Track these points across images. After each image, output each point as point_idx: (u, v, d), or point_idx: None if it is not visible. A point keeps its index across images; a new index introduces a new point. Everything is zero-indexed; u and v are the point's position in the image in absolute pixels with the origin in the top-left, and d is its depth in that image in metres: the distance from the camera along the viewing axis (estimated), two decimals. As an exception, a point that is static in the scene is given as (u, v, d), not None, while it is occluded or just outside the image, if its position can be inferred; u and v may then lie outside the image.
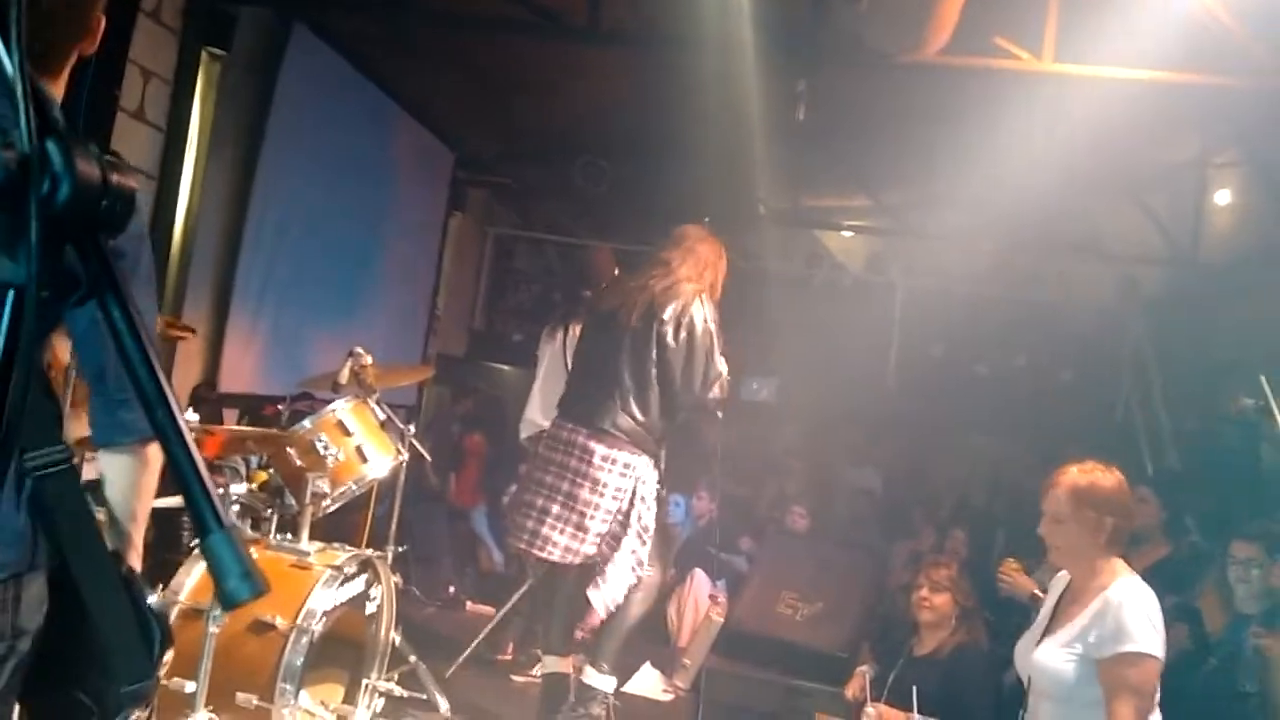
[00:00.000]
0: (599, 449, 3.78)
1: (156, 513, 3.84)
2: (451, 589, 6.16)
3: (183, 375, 5.29)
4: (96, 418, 1.58)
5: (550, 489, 3.84)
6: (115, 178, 0.74)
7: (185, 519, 3.85)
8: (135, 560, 1.66)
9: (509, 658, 5.07)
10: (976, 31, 4.91)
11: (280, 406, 4.85)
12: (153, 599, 1.62)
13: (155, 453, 1.65)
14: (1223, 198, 7.68)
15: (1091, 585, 2.87)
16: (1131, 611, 2.77)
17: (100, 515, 1.69)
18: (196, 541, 3.55)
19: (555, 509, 3.82)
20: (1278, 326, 6.69)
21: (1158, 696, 2.79)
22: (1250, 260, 7.26)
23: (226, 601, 0.76)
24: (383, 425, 3.86)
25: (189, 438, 0.72)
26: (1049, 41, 4.76)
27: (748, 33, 4.99)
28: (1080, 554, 2.92)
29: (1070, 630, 2.86)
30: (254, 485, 3.78)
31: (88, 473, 1.97)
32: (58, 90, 1.50)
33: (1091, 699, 2.78)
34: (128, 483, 1.65)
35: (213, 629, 2.98)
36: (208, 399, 5.34)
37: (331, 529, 4.10)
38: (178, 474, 0.73)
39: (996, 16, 4.85)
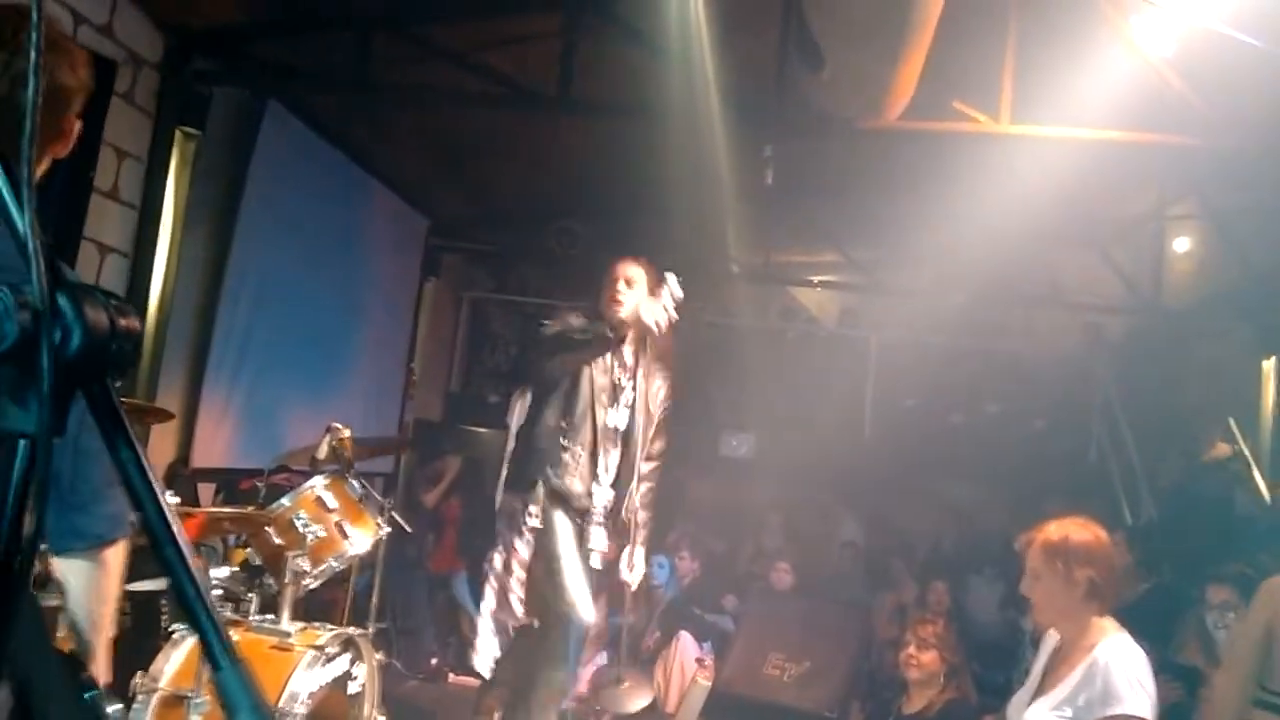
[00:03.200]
0: None
1: (134, 596, 3.81)
2: (434, 660, 6.09)
3: (157, 451, 5.25)
4: (51, 525, 1.54)
5: None
6: (122, 322, 0.77)
7: (164, 602, 3.80)
8: (100, 667, 1.63)
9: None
10: (936, 95, 5.05)
11: (257, 482, 4.82)
12: (114, 709, 1.59)
13: (114, 555, 1.62)
14: (1181, 245, 7.87)
15: (1080, 644, 2.88)
16: (1119, 673, 2.77)
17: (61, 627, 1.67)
18: (175, 626, 3.52)
19: None
20: (1240, 369, 6.85)
21: None
22: (1211, 306, 7.43)
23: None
24: (361, 499, 3.85)
25: (198, 575, 0.75)
26: (1005, 104, 4.91)
27: (714, 100, 5.12)
28: (1060, 610, 2.93)
29: (1060, 692, 2.87)
30: (234, 566, 3.76)
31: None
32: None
33: None
34: (87, 588, 1.62)
35: (195, 716, 2.94)
36: (183, 475, 5.30)
37: (312, 605, 4.07)
38: (187, 611, 0.75)
39: (954, 81, 5.00)
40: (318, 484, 3.73)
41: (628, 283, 3.73)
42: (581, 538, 3.75)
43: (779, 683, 5.58)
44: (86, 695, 1.58)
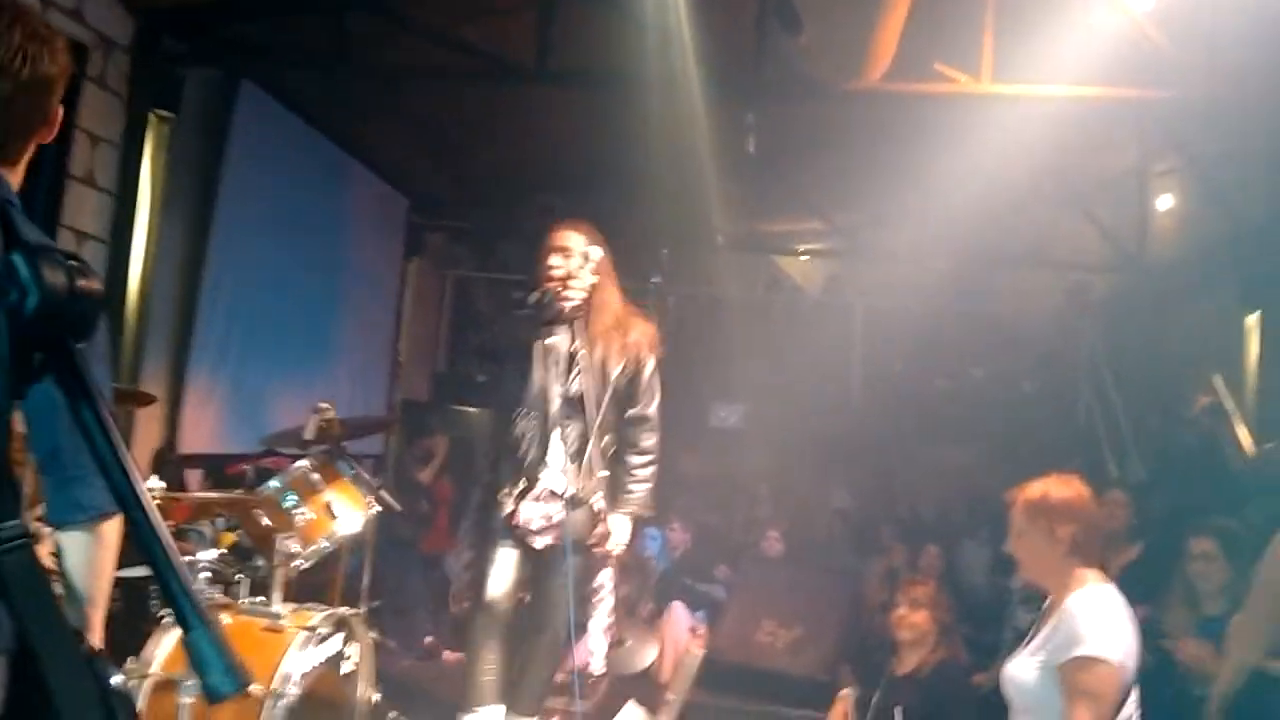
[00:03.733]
0: None
1: (124, 581, 3.80)
2: (428, 639, 6.09)
3: (143, 438, 5.22)
4: (50, 496, 1.57)
5: None
6: (81, 283, 0.75)
7: (153, 587, 3.78)
8: (96, 639, 1.64)
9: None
10: (916, 57, 5.02)
11: (245, 466, 4.79)
12: (117, 678, 1.60)
13: (111, 529, 1.63)
14: (1164, 203, 7.86)
15: (1062, 598, 2.92)
16: (1085, 616, 2.79)
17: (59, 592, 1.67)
18: (165, 611, 3.51)
19: None
20: (1225, 324, 6.87)
21: (1123, 703, 2.80)
22: (1195, 261, 7.44)
23: (211, 697, 0.77)
24: (351, 480, 3.84)
25: (166, 538, 0.73)
26: (986, 64, 4.88)
27: (693, 68, 5.07)
28: (1045, 567, 2.94)
29: (1037, 641, 2.90)
30: (222, 548, 3.74)
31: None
32: (16, 177, 1.53)
33: (1059, 708, 2.80)
34: (85, 561, 1.63)
35: (187, 699, 2.93)
36: (169, 461, 5.28)
37: (304, 587, 4.06)
38: (156, 573, 0.73)
39: (935, 42, 4.97)
40: (306, 465, 3.71)
41: (563, 253, 3.61)
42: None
43: (772, 649, 5.63)
44: (90, 663, 1.58)
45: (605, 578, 3.81)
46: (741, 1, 5.08)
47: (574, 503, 3.54)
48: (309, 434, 3.86)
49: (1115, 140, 6.75)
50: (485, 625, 3.56)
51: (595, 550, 3.67)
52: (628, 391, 3.67)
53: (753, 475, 8.27)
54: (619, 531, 3.65)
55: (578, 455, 3.57)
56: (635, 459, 3.70)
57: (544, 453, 3.56)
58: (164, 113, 5.13)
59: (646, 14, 4.93)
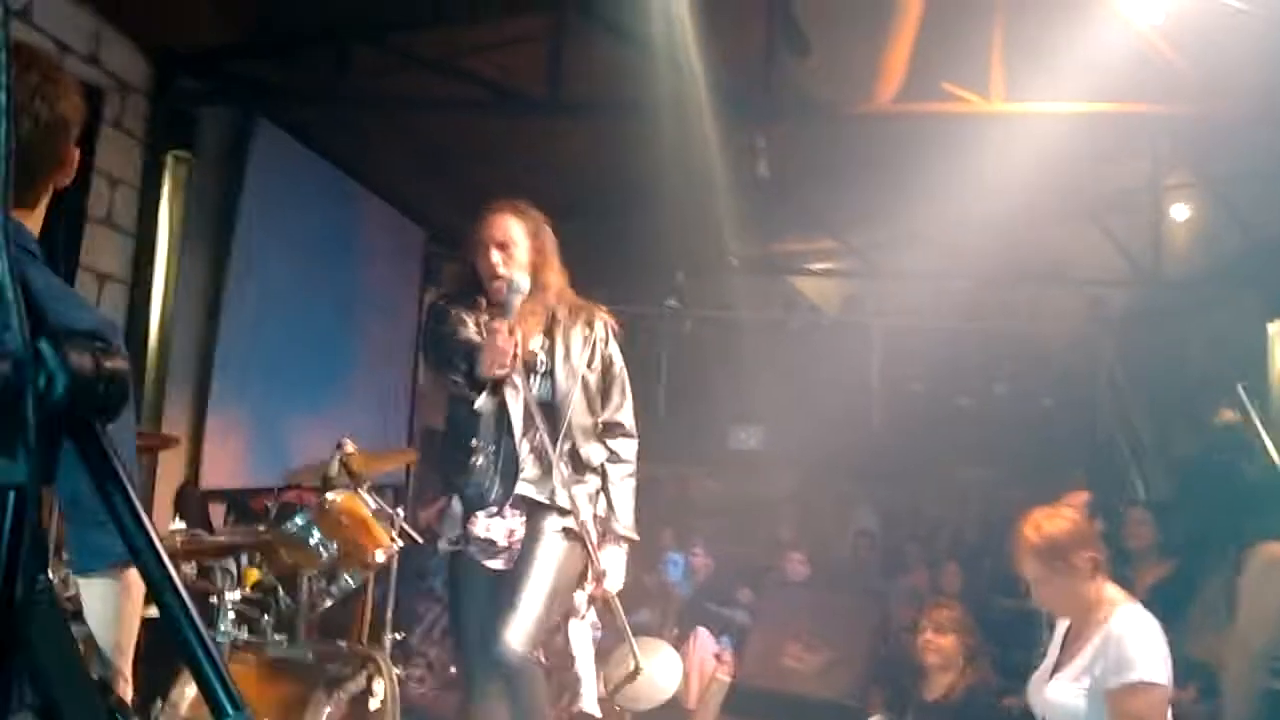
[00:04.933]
0: None
1: (150, 623, 3.80)
2: (453, 669, 6.08)
3: (166, 474, 5.25)
4: (72, 544, 1.57)
5: None
6: (107, 364, 0.76)
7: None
8: (125, 690, 1.63)
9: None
10: (926, 76, 5.03)
11: (268, 501, 4.82)
12: None
13: (135, 577, 1.61)
14: (1179, 214, 7.82)
15: (1093, 618, 2.91)
16: (1134, 641, 2.80)
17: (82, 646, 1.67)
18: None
19: None
20: (1245, 336, 6.82)
21: None
22: (1212, 274, 7.40)
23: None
24: (375, 514, 3.85)
25: (199, 621, 0.74)
26: (995, 82, 4.88)
27: (703, 94, 5.10)
28: (1077, 601, 2.95)
29: (1077, 665, 2.89)
30: (247, 587, 3.76)
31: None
32: (35, 222, 1.54)
33: None
34: (109, 609, 1.61)
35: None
36: (192, 497, 5.30)
37: (329, 623, 4.06)
38: (188, 658, 0.74)
39: (944, 62, 4.97)
40: (330, 500, 3.72)
41: (502, 248, 3.15)
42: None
43: (798, 673, 5.58)
44: (117, 717, 1.58)
45: (580, 601, 3.37)
46: (749, 26, 5.10)
47: (543, 513, 3.07)
48: (333, 471, 3.88)
49: (1127, 154, 6.73)
50: (474, 673, 3.14)
51: (592, 594, 3.23)
52: (599, 390, 3.24)
53: (773, 497, 8.24)
54: (615, 567, 3.20)
55: (545, 468, 3.07)
56: (617, 471, 3.24)
57: (509, 466, 3.08)
58: (181, 153, 5.20)
59: (655, 42, 4.97)
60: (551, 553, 3.04)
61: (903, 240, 8.11)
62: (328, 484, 3.87)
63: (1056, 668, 3.00)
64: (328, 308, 6.83)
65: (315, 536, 3.59)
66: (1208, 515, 5.19)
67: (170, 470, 5.31)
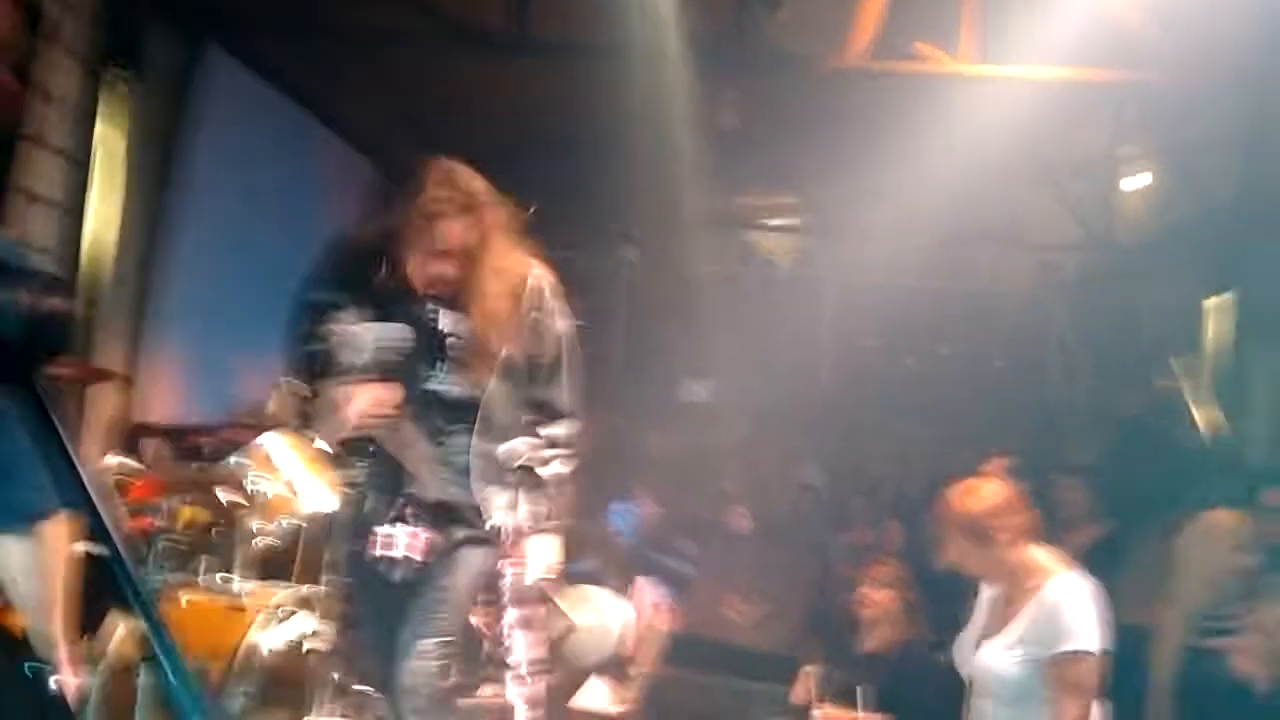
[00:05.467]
0: None
1: (87, 557, 3.71)
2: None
3: (100, 408, 5.10)
4: None
5: None
6: (47, 304, 0.70)
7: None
8: (55, 642, 1.57)
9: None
10: (896, 35, 4.99)
11: (204, 439, 4.72)
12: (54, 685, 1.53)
13: (54, 531, 1.54)
14: (1133, 182, 7.88)
15: (1024, 586, 2.94)
16: (1069, 609, 2.84)
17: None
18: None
19: None
20: (1190, 305, 6.94)
21: (1100, 687, 2.86)
22: (1163, 242, 7.49)
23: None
24: (317, 454, 3.77)
25: (167, 629, 0.71)
26: (965, 44, 4.85)
27: (672, 42, 5.01)
28: (1003, 568, 2.99)
29: (1012, 631, 2.93)
30: (181, 525, 3.68)
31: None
32: None
33: (1040, 698, 2.85)
34: (27, 567, 1.55)
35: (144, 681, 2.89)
36: (125, 431, 5.17)
37: (274, 566, 4.00)
38: (157, 662, 0.71)
39: (915, 21, 4.93)
40: (270, 439, 3.64)
41: (446, 257, 2.73)
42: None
43: (737, 625, 5.65)
44: (29, 668, 1.54)
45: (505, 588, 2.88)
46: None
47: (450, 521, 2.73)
48: (271, 408, 3.80)
49: (1087, 120, 6.76)
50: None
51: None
52: (528, 366, 2.82)
53: (720, 450, 8.28)
54: (541, 554, 2.83)
55: (458, 471, 2.74)
56: (547, 466, 2.82)
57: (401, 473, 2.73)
58: (124, 72, 4.97)
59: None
60: (460, 567, 2.72)
61: (860, 197, 8.10)
62: (267, 422, 3.80)
63: (987, 633, 3.04)
64: (277, 243, 6.66)
65: (253, 476, 3.52)
66: (1142, 479, 5.31)
67: (103, 403, 5.16)
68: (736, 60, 5.13)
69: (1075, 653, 2.79)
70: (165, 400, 5.52)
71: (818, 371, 8.57)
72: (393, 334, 2.74)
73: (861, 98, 6.04)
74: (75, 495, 0.72)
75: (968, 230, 7.97)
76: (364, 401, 2.60)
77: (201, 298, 5.79)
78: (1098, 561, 3.93)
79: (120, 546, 0.72)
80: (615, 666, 5.50)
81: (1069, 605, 2.84)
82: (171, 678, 0.72)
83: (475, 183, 2.82)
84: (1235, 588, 3.52)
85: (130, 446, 4.75)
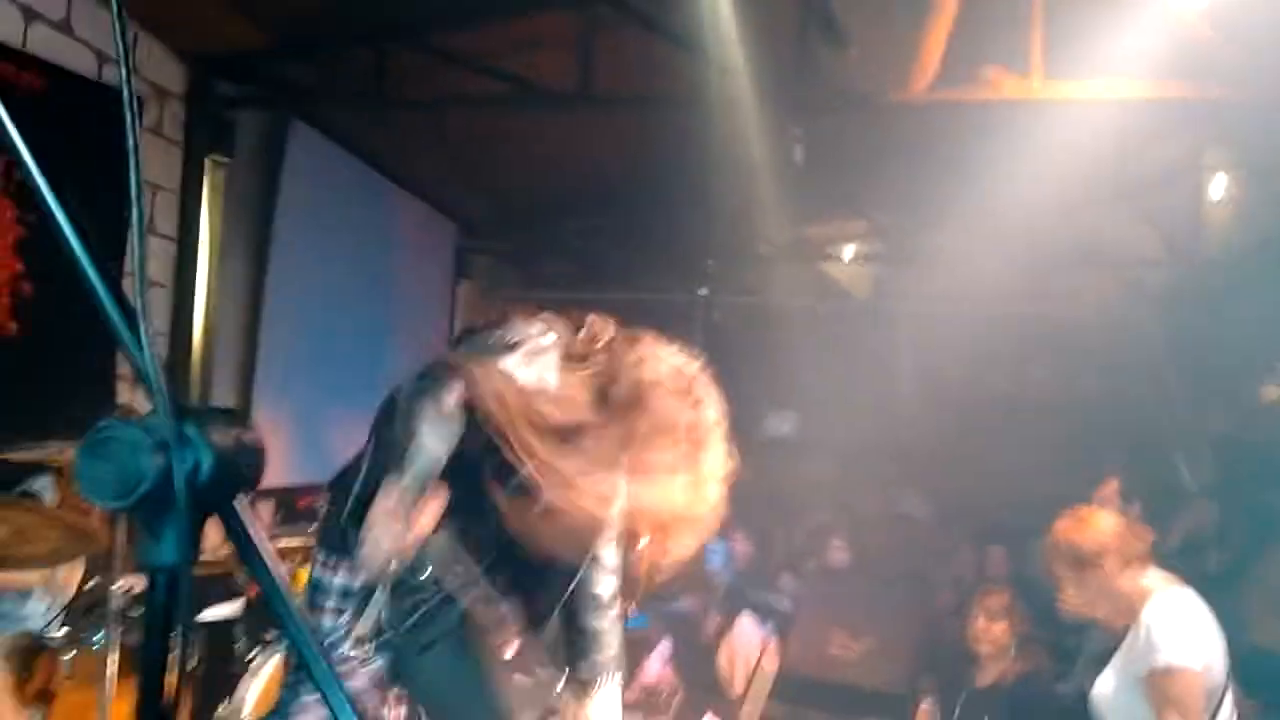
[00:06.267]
0: None
1: (210, 625, 3.88)
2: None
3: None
4: None
5: None
6: (247, 438, 0.78)
7: (238, 629, 3.86)
8: None
9: None
10: (963, 59, 4.97)
11: (315, 500, 4.87)
12: None
13: None
14: (1217, 195, 7.69)
15: (1136, 613, 2.90)
16: (1161, 625, 2.80)
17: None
18: (253, 654, 3.59)
19: None
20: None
21: (1216, 709, 2.78)
22: (1250, 253, 7.29)
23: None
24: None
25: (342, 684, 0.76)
26: (1036, 65, 4.81)
27: (737, 86, 5.06)
28: (1118, 602, 2.94)
29: (1118, 659, 2.89)
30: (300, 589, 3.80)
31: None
32: None
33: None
34: None
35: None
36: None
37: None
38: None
39: (983, 45, 4.91)
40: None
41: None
42: None
43: (845, 661, 5.59)
44: None
45: None
46: (783, 15, 5.05)
47: None
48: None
49: (1165, 134, 6.63)
50: None
51: None
52: None
53: (810, 483, 8.23)
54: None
55: None
56: None
57: None
58: (219, 157, 5.24)
59: (689, 34, 4.93)
60: None
61: (935, 224, 8.05)
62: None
63: (1109, 667, 3.01)
64: (365, 305, 6.89)
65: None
66: (1257, 496, 5.15)
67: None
68: (800, 99, 5.15)
69: (1169, 668, 2.73)
70: (274, 465, 5.69)
71: (903, 401, 8.48)
72: None
73: (932, 125, 6.03)
74: (288, 626, 0.78)
75: (1047, 252, 7.84)
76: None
77: (300, 363, 6.01)
78: (1223, 583, 3.83)
79: (302, 630, 0.78)
80: (725, 707, 5.49)
81: (1162, 620, 2.80)
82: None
83: None
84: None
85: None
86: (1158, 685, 2.75)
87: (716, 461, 2.30)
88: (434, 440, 2.07)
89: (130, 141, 0.75)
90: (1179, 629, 2.80)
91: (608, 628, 2.49)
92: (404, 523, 2.00)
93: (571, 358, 2.28)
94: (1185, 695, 2.74)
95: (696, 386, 2.28)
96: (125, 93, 0.77)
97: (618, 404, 2.19)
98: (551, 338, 2.31)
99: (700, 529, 2.30)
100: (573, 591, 2.42)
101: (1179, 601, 2.88)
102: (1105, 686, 2.94)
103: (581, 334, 2.34)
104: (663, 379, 2.22)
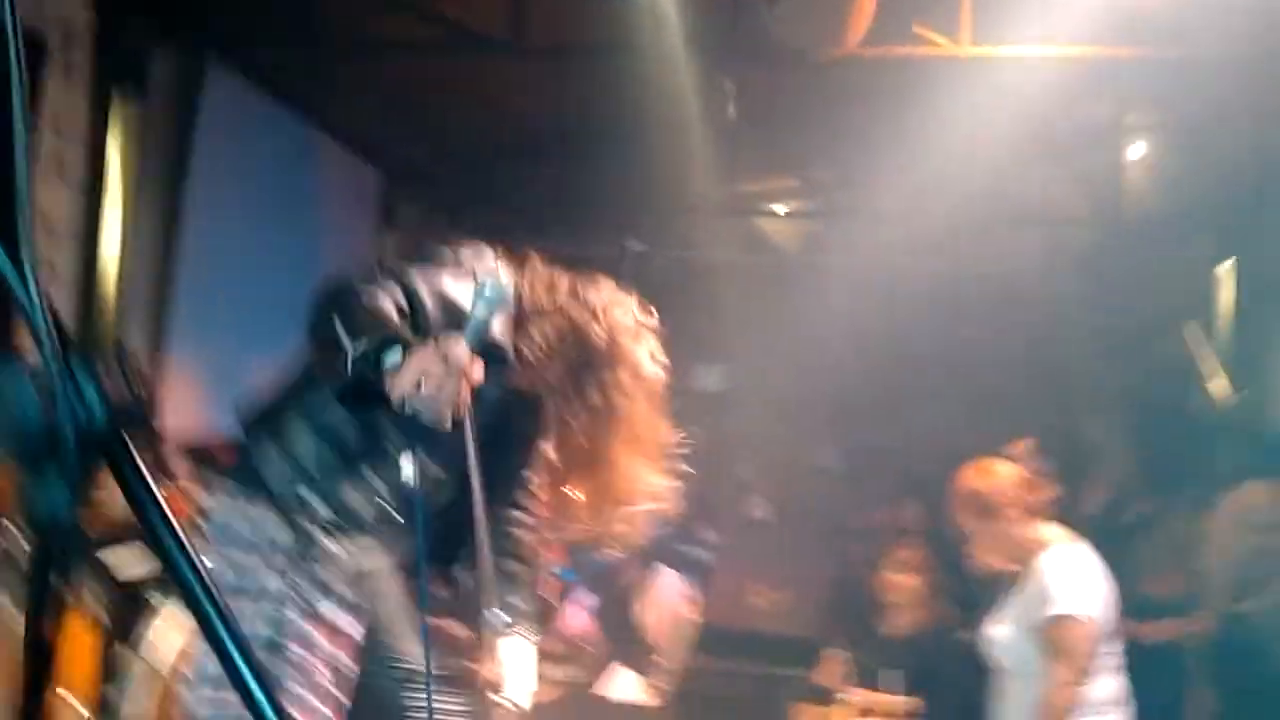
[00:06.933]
0: None
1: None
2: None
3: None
4: None
5: None
6: (134, 376, 0.75)
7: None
8: None
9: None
10: (895, 18, 4.99)
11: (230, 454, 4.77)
12: None
13: None
14: (1139, 154, 7.88)
15: (1031, 563, 3.00)
16: (1055, 575, 2.90)
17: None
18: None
19: None
20: (1199, 274, 6.96)
21: (1104, 657, 2.88)
22: (1170, 213, 7.50)
23: None
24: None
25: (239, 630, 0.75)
26: (965, 24, 4.86)
27: (669, 38, 5.02)
28: (1006, 547, 3.04)
29: (1012, 607, 2.99)
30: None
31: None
32: None
33: (1038, 667, 2.90)
34: None
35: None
36: (159, 451, 5.22)
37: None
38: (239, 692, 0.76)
39: (917, 5, 4.93)
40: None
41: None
42: None
43: (761, 611, 5.72)
44: None
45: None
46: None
47: None
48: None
49: (1091, 93, 6.75)
50: None
51: None
52: None
53: (734, 437, 8.31)
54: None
55: None
56: None
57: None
58: (130, 96, 5.02)
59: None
60: None
61: (866, 181, 8.11)
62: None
63: (1001, 613, 3.11)
64: (285, 253, 6.71)
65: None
66: (1165, 454, 5.35)
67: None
68: (734, 53, 5.14)
69: (1060, 617, 2.84)
70: (190, 419, 5.58)
71: (829, 357, 8.59)
72: None
73: (862, 83, 6.05)
74: (185, 576, 0.76)
75: (973, 209, 7.97)
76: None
77: (216, 314, 5.85)
78: (1124, 537, 3.98)
79: (230, 619, 0.77)
80: (642, 656, 5.58)
81: (1058, 573, 2.90)
82: None
83: None
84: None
85: (162, 469, 4.81)
86: (1050, 634, 2.85)
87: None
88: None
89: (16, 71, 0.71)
90: (1072, 578, 2.90)
91: (525, 572, 2.51)
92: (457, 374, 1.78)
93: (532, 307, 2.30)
94: (1078, 644, 2.85)
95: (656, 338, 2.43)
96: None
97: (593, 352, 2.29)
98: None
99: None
100: (496, 532, 2.39)
101: (1073, 553, 2.98)
102: (1000, 633, 3.04)
103: (535, 279, 2.38)
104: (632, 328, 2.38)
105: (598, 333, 2.34)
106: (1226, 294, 6.72)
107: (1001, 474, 3.03)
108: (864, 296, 8.58)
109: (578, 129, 7.39)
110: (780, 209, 8.95)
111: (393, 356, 1.84)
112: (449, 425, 1.84)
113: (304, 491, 2.22)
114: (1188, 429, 5.79)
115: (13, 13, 0.71)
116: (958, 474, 3.09)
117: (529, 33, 5.11)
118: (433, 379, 1.77)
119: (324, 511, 2.23)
